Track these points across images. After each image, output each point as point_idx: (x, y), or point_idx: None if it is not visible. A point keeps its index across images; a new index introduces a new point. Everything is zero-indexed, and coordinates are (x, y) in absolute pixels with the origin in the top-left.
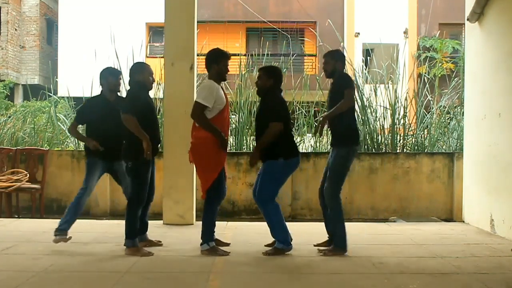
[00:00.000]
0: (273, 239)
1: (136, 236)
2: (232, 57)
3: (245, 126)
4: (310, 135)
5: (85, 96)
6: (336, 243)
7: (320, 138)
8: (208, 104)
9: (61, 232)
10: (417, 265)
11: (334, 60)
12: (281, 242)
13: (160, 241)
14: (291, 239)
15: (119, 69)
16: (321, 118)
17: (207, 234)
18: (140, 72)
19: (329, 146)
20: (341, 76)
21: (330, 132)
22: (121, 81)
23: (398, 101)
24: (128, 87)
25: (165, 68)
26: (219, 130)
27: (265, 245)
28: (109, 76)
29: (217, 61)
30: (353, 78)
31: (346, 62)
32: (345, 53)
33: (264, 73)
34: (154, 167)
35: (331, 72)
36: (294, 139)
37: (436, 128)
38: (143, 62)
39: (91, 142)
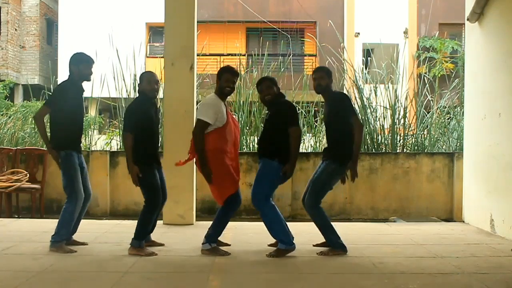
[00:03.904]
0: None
1: (144, 238)
2: (231, 57)
3: (245, 126)
4: (310, 135)
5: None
6: (333, 247)
7: (321, 138)
8: (208, 120)
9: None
10: (417, 265)
11: (328, 77)
12: (284, 243)
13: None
14: (293, 238)
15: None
16: (350, 167)
17: (214, 236)
18: (145, 82)
19: None
20: (339, 97)
21: (326, 144)
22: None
23: (398, 101)
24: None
25: (165, 68)
26: (205, 158)
27: (268, 245)
28: (81, 63)
29: (219, 77)
30: (353, 78)
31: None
32: (345, 53)
33: (271, 83)
34: (162, 173)
35: (325, 88)
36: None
37: (436, 128)
38: (148, 72)
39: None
